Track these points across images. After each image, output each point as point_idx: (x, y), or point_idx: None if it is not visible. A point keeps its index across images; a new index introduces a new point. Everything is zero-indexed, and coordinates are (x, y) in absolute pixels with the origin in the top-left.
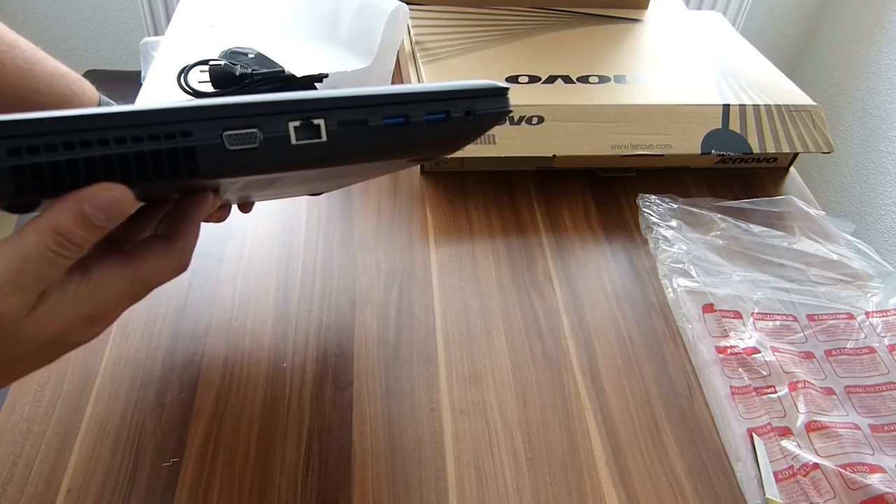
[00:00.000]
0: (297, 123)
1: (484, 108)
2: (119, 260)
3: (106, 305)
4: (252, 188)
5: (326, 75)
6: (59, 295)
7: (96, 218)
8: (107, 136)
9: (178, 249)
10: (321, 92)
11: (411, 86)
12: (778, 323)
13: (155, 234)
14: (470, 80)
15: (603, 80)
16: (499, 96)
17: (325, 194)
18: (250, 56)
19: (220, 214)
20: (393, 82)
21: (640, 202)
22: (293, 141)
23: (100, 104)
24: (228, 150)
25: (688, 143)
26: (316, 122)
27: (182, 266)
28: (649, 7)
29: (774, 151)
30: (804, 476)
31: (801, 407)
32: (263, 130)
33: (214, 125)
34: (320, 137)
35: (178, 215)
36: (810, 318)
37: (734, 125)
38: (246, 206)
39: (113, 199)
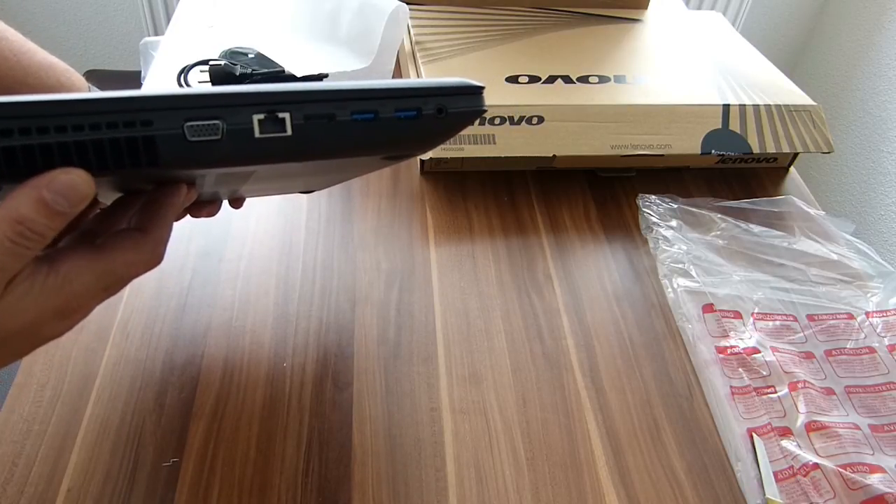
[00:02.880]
0: (261, 116)
1: (457, 106)
2: (89, 252)
3: (76, 299)
4: (230, 182)
5: (326, 75)
6: (26, 287)
7: (57, 203)
8: (64, 123)
9: (150, 241)
10: (288, 85)
11: (383, 81)
12: (778, 323)
13: (127, 227)
14: (451, 77)
15: (603, 80)
16: (473, 95)
17: (325, 194)
18: (250, 56)
19: (211, 210)
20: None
21: (640, 202)
22: (257, 134)
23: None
24: (190, 141)
25: (688, 143)
26: (281, 115)
27: (155, 259)
28: (649, 7)
29: (774, 151)
30: (804, 476)
31: (801, 407)
32: (226, 122)
33: (176, 115)
34: (285, 131)
35: (150, 207)
36: (810, 318)
37: (734, 125)
38: (236, 202)
39: (71, 182)
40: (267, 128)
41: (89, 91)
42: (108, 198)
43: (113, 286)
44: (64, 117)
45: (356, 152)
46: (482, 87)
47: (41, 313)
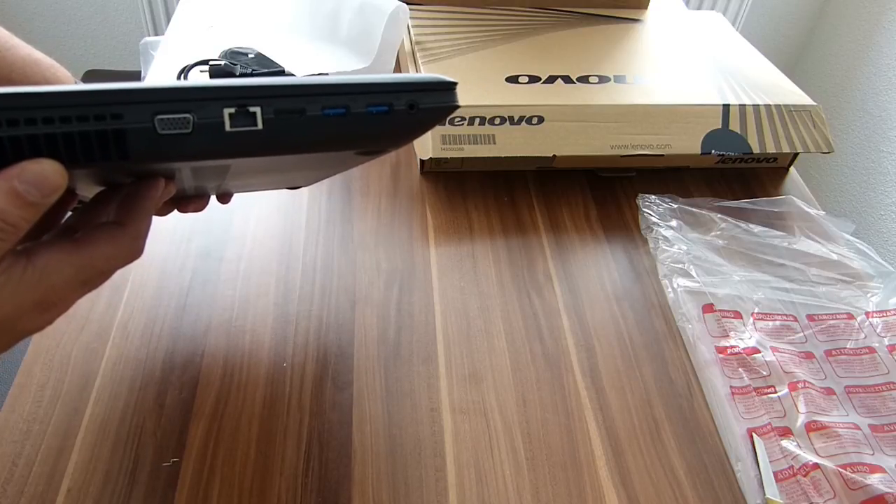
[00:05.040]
0: (232, 110)
1: (429, 102)
2: (68, 246)
3: (55, 292)
4: (209, 177)
5: (326, 75)
6: (2, 280)
7: (29, 194)
8: (34, 116)
9: (129, 235)
10: (260, 79)
11: (356, 76)
12: (778, 323)
13: (106, 221)
14: (427, 74)
15: (603, 80)
16: (445, 91)
17: (325, 194)
18: (250, 56)
19: (198, 205)
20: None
21: (640, 202)
22: (227, 128)
23: None
24: (160, 135)
25: (688, 143)
26: (252, 109)
27: (134, 252)
28: (649, 7)
29: (774, 151)
30: (804, 476)
31: (801, 407)
32: (197, 116)
33: (146, 108)
34: (256, 125)
35: (128, 200)
36: (810, 318)
37: (734, 125)
38: (224, 198)
39: (42, 171)
40: (238, 122)
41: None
42: (89, 192)
43: (92, 280)
44: (33, 110)
45: (327, 147)
46: (455, 84)
47: (19, 306)
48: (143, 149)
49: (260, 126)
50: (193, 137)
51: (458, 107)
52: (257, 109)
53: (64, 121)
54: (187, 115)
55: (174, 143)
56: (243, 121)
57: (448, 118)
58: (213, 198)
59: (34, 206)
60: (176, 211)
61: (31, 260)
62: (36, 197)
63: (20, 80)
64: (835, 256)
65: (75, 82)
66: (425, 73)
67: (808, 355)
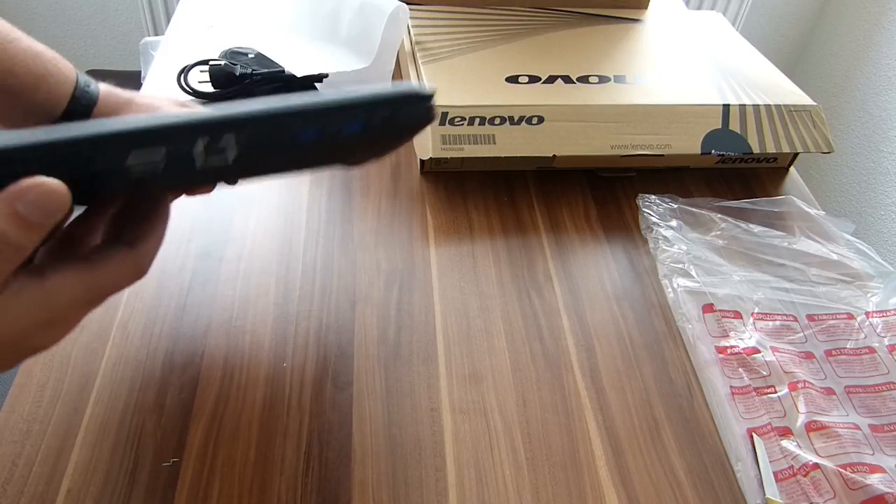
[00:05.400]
0: (202, 145)
1: (405, 115)
2: (77, 265)
3: (63, 310)
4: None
5: (326, 75)
6: (11, 299)
7: (32, 215)
8: (14, 171)
9: (139, 256)
10: (228, 109)
11: (328, 93)
12: (778, 323)
13: (116, 240)
14: (403, 84)
15: (603, 80)
16: (421, 102)
17: (325, 194)
18: (250, 56)
19: (207, 189)
20: (393, 82)
21: (640, 202)
22: (199, 164)
23: (77, 85)
24: (133, 175)
25: (688, 143)
26: (222, 143)
27: (141, 272)
28: (649, 7)
29: (774, 151)
30: (804, 476)
31: (801, 407)
32: (168, 153)
33: (117, 150)
34: (227, 160)
35: (139, 222)
36: (810, 318)
37: (734, 125)
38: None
39: (44, 193)
40: (209, 156)
41: (77, 79)
42: (70, 199)
43: (97, 300)
44: (10, 164)
45: (305, 168)
46: (431, 95)
47: (28, 325)
48: (119, 189)
49: (231, 160)
50: (166, 175)
51: (434, 117)
52: (229, 141)
53: (43, 168)
54: (159, 154)
55: (148, 181)
56: (214, 155)
57: (449, 119)
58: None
59: (38, 226)
60: (184, 196)
61: (43, 279)
62: (39, 218)
63: (23, 72)
64: (835, 256)
65: (76, 75)
66: (425, 73)
67: (808, 355)
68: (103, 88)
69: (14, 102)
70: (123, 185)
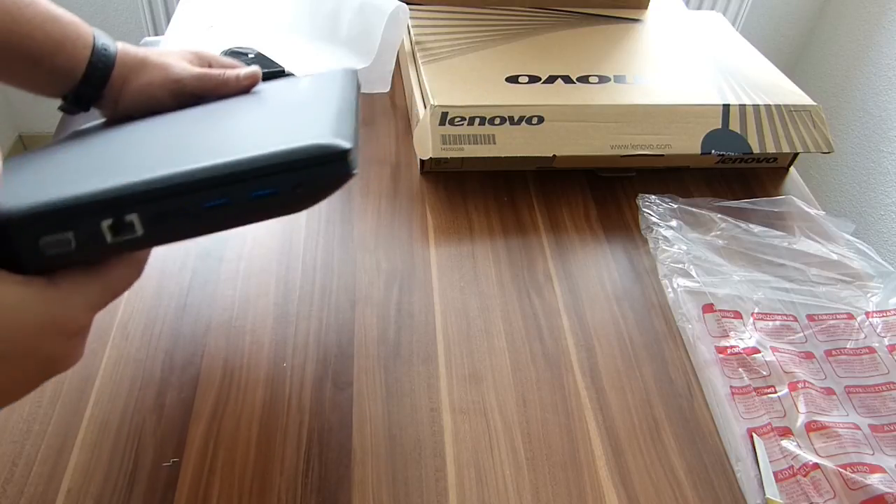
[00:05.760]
0: (109, 223)
1: (318, 178)
2: (88, 270)
3: (76, 313)
4: None
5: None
6: (21, 295)
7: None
8: None
9: (141, 257)
10: (132, 182)
11: (233, 159)
12: (778, 323)
13: None
14: (312, 134)
15: (603, 80)
16: (335, 162)
17: None
18: (250, 56)
19: None
20: (393, 82)
21: (640, 202)
22: (109, 240)
23: (94, 48)
24: (47, 255)
25: (688, 143)
26: (128, 219)
27: (141, 272)
28: (649, 7)
29: (774, 151)
30: (804, 476)
31: (801, 407)
32: (77, 234)
33: (30, 232)
34: (135, 233)
35: None
36: (810, 318)
37: (734, 125)
38: None
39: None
40: (118, 233)
41: (94, 42)
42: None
43: (105, 303)
44: None
45: (219, 229)
46: (347, 151)
47: (40, 326)
48: (36, 267)
49: (140, 233)
50: (79, 252)
51: (353, 174)
52: (133, 217)
53: None
54: (68, 236)
55: (63, 259)
56: (123, 231)
57: (449, 119)
58: None
59: None
60: None
61: (53, 281)
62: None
63: (41, 37)
64: (835, 256)
65: (93, 38)
66: (425, 73)
67: (808, 355)
68: (120, 49)
69: (34, 67)
70: (40, 263)
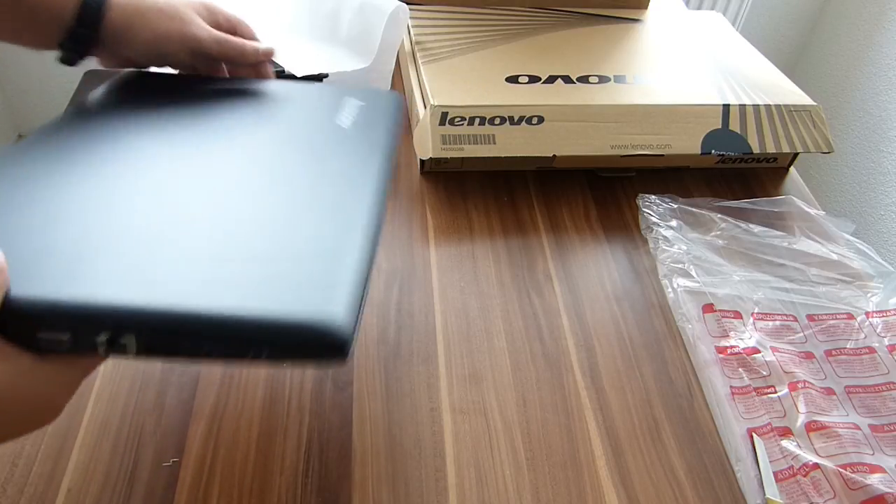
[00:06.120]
0: (103, 339)
1: (312, 355)
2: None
3: (57, 391)
4: None
5: (326, 75)
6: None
7: None
8: None
9: None
10: (134, 306)
11: (241, 318)
12: (778, 323)
13: None
14: (314, 319)
15: (603, 80)
16: (332, 350)
17: None
18: None
19: None
20: (393, 82)
21: (640, 202)
22: (101, 352)
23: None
24: (41, 345)
25: (688, 143)
26: (124, 340)
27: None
28: (649, 7)
29: (774, 151)
30: (804, 476)
31: (801, 407)
32: (73, 337)
33: (29, 325)
34: (127, 352)
35: None
36: (810, 318)
37: (734, 125)
38: None
39: None
40: (111, 346)
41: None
42: None
43: (80, 382)
44: None
45: (207, 361)
46: (347, 343)
47: (25, 400)
48: (28, 347)
49: (132, 352)
50: (71, 350)
51: (347, 358)
52: (130, 340)
53: None
54: (64, 336)
55: (54, 348)
56: (116, 347)
57: (449, 119)
58: None
59: None
60: None
61: (42, 358)
62: None
63: None
64: (835, 256)
65: None
66: (425, 73)
67: (808, 355)
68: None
69: (16, 11)
70: (33, 347)
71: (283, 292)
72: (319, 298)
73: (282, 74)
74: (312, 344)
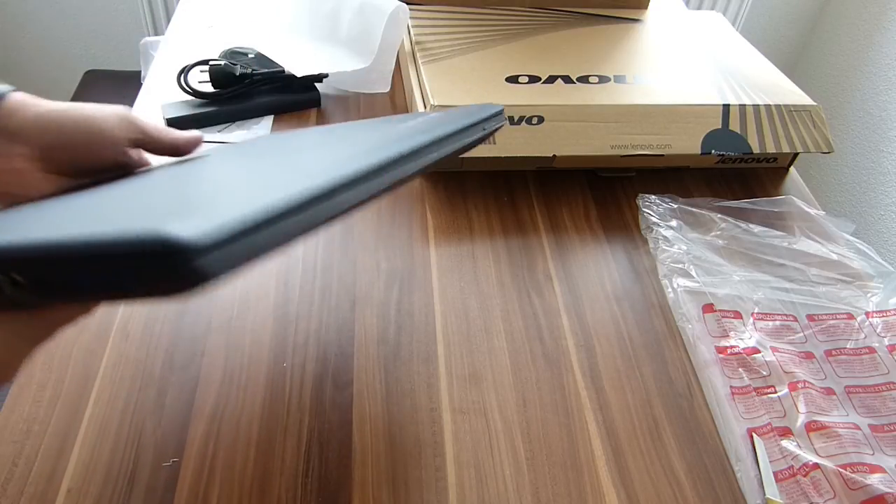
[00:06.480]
0: (3, 278)
1: (156, 268)
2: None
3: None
4: None
5: (326, 75)
6: None
7: None
8: None
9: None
10: (8, 242)
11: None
12: (778, 323)
13: None
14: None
15: (603, 80)
16: (168, 259)
17: None
18: (250, 56)
19: None
20: (393, 82)
21: (640, 202)
22: (8, 293)
23: None
24: None
25: (688, 143)
26: (17, 278)
27: (89, 309)
28: (649, 7)
29: (774, 151)
30: (804, 476)
31: (801, 407)
32: None
33: None
34: (26, 292)
35: None
36: (810, 318)
37: (734, 125)
38: None
39: None
40: (14, 289)
41: None
42: None
43: (38, 338)
44: None
45: (102, 300)
46: (181, 252)
47: None
48: None
49: (30, 294)
50: None
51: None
52: (21, 278)
53: None
54: None
55: None
56: (19, 288)
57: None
58: None
59: None
60: None
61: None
62: None
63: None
64: (835, 256)
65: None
66: (425, 73)
67: (808, 355)
68: (17, 97)
69: None
70: None
71: (143, 219)
72: (166, 218)
73: (282, 74)
74: (149, 253)
